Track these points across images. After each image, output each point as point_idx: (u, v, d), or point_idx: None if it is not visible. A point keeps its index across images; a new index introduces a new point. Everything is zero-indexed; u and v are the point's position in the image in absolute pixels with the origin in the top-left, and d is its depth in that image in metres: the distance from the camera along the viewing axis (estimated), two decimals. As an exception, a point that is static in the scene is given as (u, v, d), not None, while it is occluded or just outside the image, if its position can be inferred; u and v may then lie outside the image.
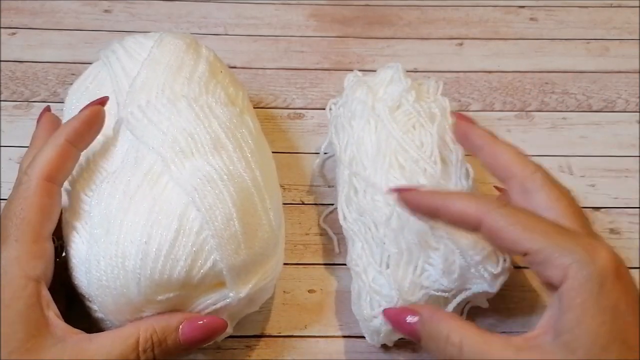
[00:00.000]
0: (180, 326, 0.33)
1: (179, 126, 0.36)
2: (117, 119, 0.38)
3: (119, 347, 0.32)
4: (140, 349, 0.32)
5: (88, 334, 0.32)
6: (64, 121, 0.40)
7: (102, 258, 0.33)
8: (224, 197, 0.34)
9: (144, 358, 0.32)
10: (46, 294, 0.32)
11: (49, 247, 0.33)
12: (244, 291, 0.34)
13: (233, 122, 0.38)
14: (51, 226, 0.33)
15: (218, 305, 0.34)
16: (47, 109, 0.42)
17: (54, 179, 0.34)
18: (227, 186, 0.34)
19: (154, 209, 0.33)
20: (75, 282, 0.34)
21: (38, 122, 0.41)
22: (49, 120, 0.41)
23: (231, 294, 0.34)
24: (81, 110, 0.37)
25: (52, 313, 0.32)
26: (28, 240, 0.32)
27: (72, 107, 0.41)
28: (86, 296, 0.34)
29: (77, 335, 0.32)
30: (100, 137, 0.37)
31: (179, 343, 0.33)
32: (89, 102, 0.38)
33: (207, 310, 0.34)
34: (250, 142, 0.38)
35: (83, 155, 0.36)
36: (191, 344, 0.33)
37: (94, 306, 0.34)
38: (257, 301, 0.38)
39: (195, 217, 0.33)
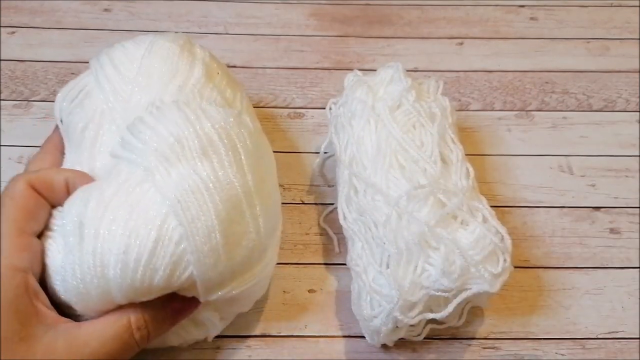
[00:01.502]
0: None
1: (166, 132, 0.35)
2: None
3: (112, 328, 0.32)
4: (133, 327, 0.32)
5: (78, 322, 0.32)
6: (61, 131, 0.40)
7: (79, 267, 0.32)
8: (207, 209, 0.33)
9: (139, 336, 0.33)
10: (34, 284, 0.32)
11: (35, 243, 0.33)
12: (213, 297, 0.34)
13: (229, 121, 0.37)
14: (36, 226, 0.34)
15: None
16: None
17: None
18: (212, 196, 0.33)
19: (132, 217, 0.32)
20: (51, 291, 0.33)
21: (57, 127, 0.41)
22: None
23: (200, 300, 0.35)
24: None
25: (41, 303, 0.32)
26: (12, 234, 0.32)
27: (65, 118, 0.39)
28: (64, 303, 0.33)
29: (67, 323, 0.32)
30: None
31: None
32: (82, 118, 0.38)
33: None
34: (248, 143, 0.37)
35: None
36: (183, 315, 0.35)
37: (75, 311, 0.33)
38: (244, 301, 0.38)
39: (175, 227, 0.32)
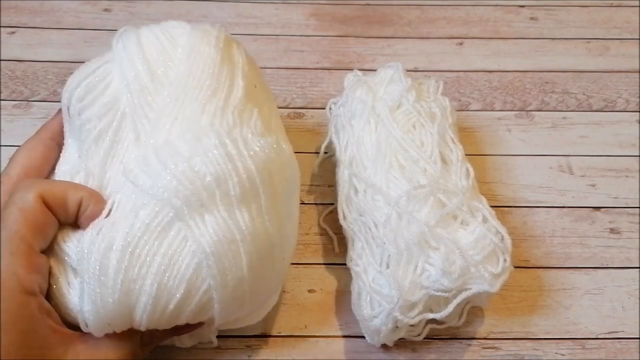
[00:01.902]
0: None
1: (204, 168, 0.31)
2: (123, 166, 0.33)
3: (127, 345, 0.33)
4: (143, 343, 0.34)
5: (88, 334, 0.32)
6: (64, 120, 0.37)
7: (103, 310, 0.31)
8: (240, 261, 0.32)
9: (147, 350, 0.34)
10: (46, 305, 0.31)
11: (43, 262, 0.32)
12: (222, 328, 0.36)
13: (271, 158, 0.33)
14: (43, 244, 0.32)
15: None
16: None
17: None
18: (246, 246, 0.32)
19: (161, 267, 0.31)
20: (59, 312, 0.32)
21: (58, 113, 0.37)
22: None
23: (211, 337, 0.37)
24: None
25: (54, 322, 0.31)
26: (22, 253, 0.30)
27: (79, 113, 0.34)
28: (73, 322, 0.33)
29: (84, 341, 0.32)
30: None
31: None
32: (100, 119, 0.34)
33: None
34: (285, 178, 0.34)
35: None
36: (187, 332, 0.35)
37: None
38: (239, 324, 0.38)
39: (205, 277, 0.31)
